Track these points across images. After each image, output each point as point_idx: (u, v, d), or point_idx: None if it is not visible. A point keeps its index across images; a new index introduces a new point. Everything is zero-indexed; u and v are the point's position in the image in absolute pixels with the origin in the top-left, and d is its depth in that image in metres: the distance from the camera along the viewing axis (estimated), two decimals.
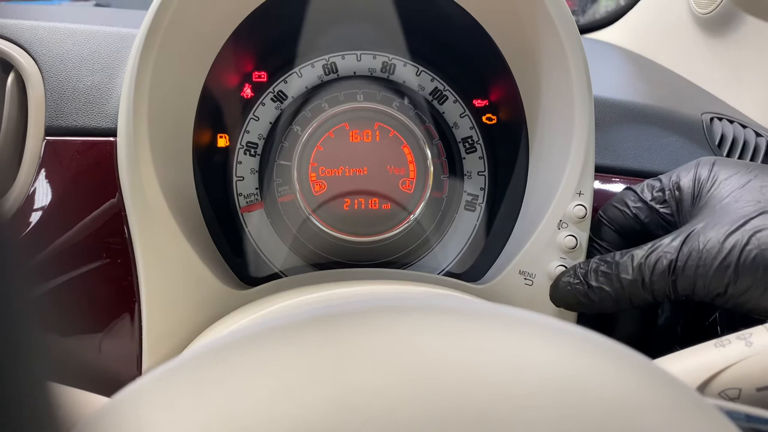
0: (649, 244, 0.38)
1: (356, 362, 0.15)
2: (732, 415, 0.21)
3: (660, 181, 0.43)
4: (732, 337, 0.33)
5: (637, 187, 0.44)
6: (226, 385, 0.16)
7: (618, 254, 0.39)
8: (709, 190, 0.39)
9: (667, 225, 0.42)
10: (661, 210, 0.42)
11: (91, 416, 0.17)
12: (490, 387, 0.16)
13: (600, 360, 0.18)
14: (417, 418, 0.14)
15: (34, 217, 0.42)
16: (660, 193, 0.42)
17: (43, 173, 0.43)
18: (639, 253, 0.38)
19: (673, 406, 0.18)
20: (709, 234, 0.35)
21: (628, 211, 0.43)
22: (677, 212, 0.41)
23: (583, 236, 0.42)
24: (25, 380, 0.12)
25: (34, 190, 0.43)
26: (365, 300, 0.19)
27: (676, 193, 0.41)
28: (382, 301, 0.19)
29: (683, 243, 0.36)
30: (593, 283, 0.39)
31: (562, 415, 0.16)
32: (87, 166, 0.43)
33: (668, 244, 0.37)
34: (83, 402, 0.31)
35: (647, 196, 0.43)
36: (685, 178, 0.41)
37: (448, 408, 0.15)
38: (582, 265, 0.41)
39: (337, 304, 0.18)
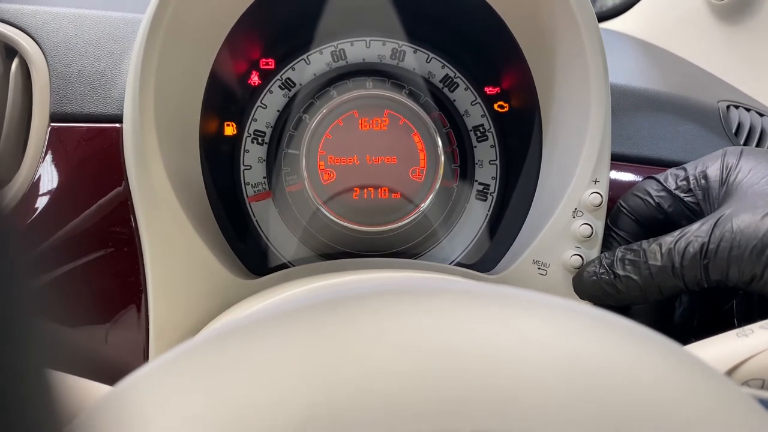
0: (678, 231, 0.37)
1: (378, 345, 0.14)
2: (766, 404, 0.20)
3: (684, 170, 0.42)
4: (755, 326, 0.32)
5: (660, 176, 0.43)
6: (236, 371, 0.15)
7: (645, 242, 0.38)
8: (737, 178, 0.38)
9: (691, 215, 0.41)
10: (686, 199, 0.41)
11: (92, 406, 0.16)
12: (517, 370, 0.15)
13: (633, 344, 0.17)
14: (440, 402, 0.14)
15: (39, 204, 0.41)
16: (685, 182, 0.41)
17: (47, 160, 0.42)
18: (668, 239, 0.37)
19: (708, 392, 0.17)
20: (743, 217, 0.34)
21: (650, 200, 0.42)
22: (704, 201, 0.40)
23: (599, 225, 0.41)
24: (24, 368, 0.11)
25: (39, 177, 0.42)
26: (383, 283, 0.18)
27: (703, 181, 0.40)
28: (402, 284, 0.18)
29: (714, 226, 0.35)
30: (620, 272, 0.38)
31: (594, 399, 0.15)
32: (92, 153, 0.42)
33: (698, 229, 0.36)
34: (91, 391, 0.30)
35: (671, 185, 0.42)
36: (712, 166, 0.40)
37: (474, 391, 0.14)
38: (607, 255, 0.40)
39: (356, 287, 0.17)
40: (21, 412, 0.11)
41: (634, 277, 0.38)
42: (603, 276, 0.39)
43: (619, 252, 0.39)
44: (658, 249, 0.37)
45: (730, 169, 0.39)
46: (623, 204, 0.43)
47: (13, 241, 0.12)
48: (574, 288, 0.41)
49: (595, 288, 0.39)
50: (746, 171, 0.38)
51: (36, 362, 0.12)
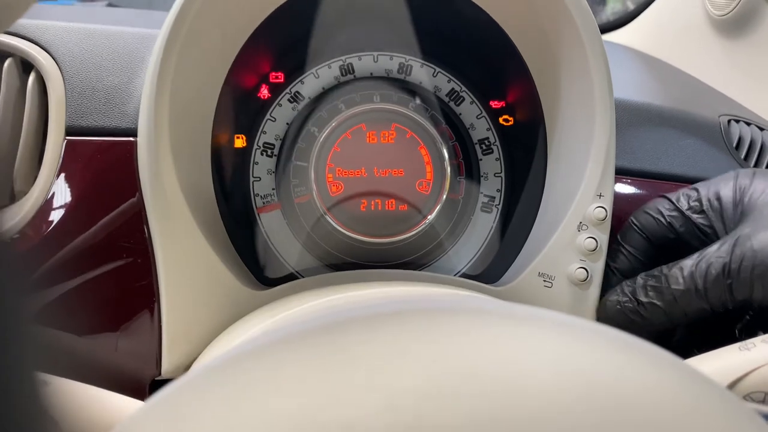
0: (697, 254, 0.38)
1: (403, 365, 0.15)
2: None
3: (696, 191, 0.42)
4: (757, 340, 0.33)
5: (672, 196, 0.43)
6: (267, 388, 0.16)
7: (665, 267, 0.39)
8: (752, 199, 0.38)
9: (702, 236, 0.42)
10: (698, 220, 0.41)
11: (123, 424, 0.17)
12: (535, 392, 0.15)
13: (642, 363, 0.17)
14: (463, 422, 0.14)
15: (55, 216, 0.42)
16: (697, 203, 0.42)
17: (63, 172, 0.43)
18: (688, 262, 0.38)
19: (713, 409, 0.18)
20: (762, 235, 0.35)
21: (662, 219, 0.42)
22: (717, 222, 0.41)
23: (604, 238, 0.42)
24: (13, 383, 0.12)
25: (55, 189, 0.43)
26: (401, 301, 0.19)
27: (716, 203, 0.41)
28: (419, 304, 0.19)
29: (734, 246, 0.36)
30: (643, 299, 0.39)
31: (606, 419, 0.16)
32: (107, 165, 0.43)
33: (718, 250, 0.37)
34: (101, 400, 0.31)
35: (683, 205, 0.42)
36: (725, 188, 0.41)
37: (495, 412, 0.15)
38: (629, 283, 0.40)
39: (378, 305, 0.18)
40: (10, 426, 0.11)
41: (658, 303, 0.38)
42: (627, 304, 0.40)
43: (640, 279, 0.40)
44: (679, 273, 0.38)
45: (744, 190, 0.40)
46: (634, 221, 0.44)
47: (6, 256, 0.12)
48: (598, 318, 0.42)
49: (620, 317, 0.40)
50: (759, 191, 0.39)
51: (27, 378, 0.12)
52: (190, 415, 0.16)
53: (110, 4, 1.00)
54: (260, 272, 0.49)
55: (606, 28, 0.95)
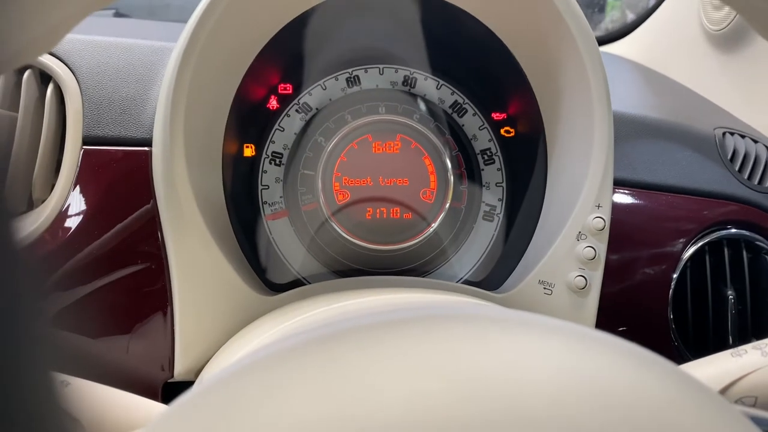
0: None
1: (417, 369, 0.17)
2: (757, 421, 0.22)
3: None
4: (748, 347, 0.34)
5: None
6: (290, 392, 0.17)
7: None
8: None
9: None
10: None
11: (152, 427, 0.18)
12: (541, 394, 0.17)
13: (639, 369, 0.19)
14: (472, 425, 0.16)
15: (72, 223, 0.44)
16: None
17: (80, 180, 0.44)
18: None
19: (703, 411, 0.19)
20: None
21: None
22: None
23: (602, 248, 0.44)
24: (35, 377, 0.12)
25: (73, 196, 0.44)
26: (414, 309, 0.20)
27: None
28: (430, 311, 0.20)
29: None
30: None
31: (605, 420, 0.17)
32: (122, 174, 0.45)
33: None
34: (120, 400, 0.32)
35: None
36: None
37: (502, 413, 0.16)
38: None
39: (391, 312, 0.19)
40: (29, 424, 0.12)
41: None
42: None
43: None
44: None
45: None
46: None
47: (26, 261, 0.13)
48: None
49: None
50: None
51: (45, 378, 0.12)
52: (219, 419, 0.17)
53: (117, 14, 1.01)
54: (268, 278, 0.51)
55: (604, 40, 0.97)
